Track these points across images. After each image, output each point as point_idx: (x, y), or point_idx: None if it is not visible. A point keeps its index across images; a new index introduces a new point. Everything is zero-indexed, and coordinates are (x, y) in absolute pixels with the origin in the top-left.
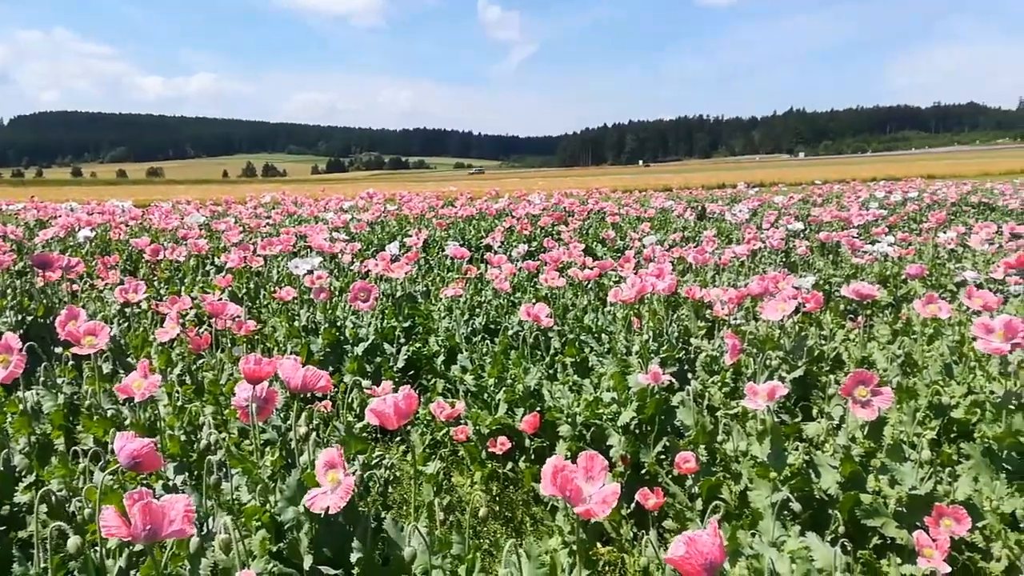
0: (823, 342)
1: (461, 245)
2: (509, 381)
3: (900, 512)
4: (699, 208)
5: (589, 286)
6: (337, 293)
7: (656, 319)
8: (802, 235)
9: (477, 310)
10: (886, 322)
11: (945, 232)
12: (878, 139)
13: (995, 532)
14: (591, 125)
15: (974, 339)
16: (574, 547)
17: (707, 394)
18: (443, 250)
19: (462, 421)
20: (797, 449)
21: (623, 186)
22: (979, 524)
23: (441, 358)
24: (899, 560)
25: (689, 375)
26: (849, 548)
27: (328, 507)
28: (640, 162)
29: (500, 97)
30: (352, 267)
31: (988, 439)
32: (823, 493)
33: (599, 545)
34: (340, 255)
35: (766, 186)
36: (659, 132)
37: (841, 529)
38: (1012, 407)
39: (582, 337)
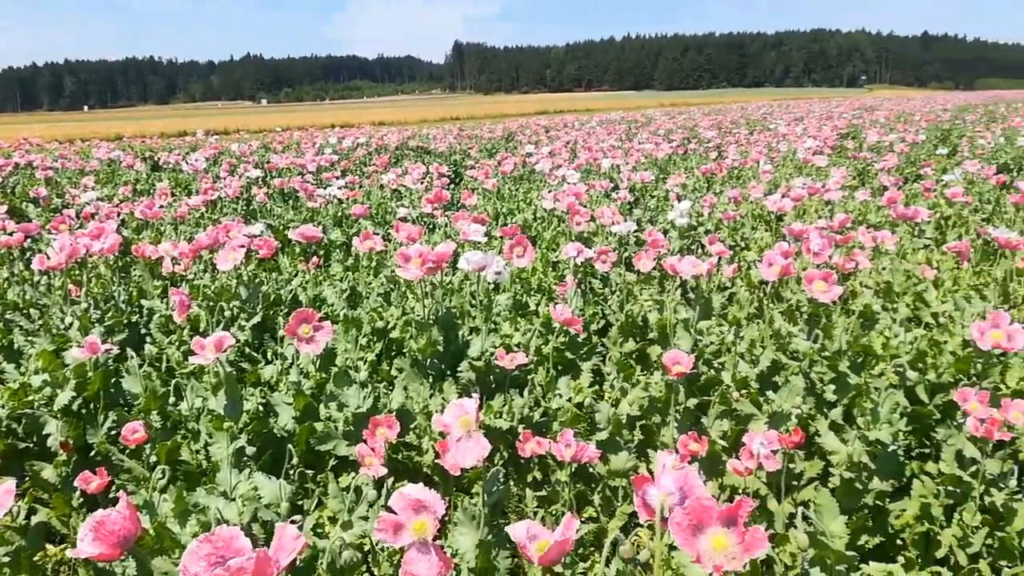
0: (279, 286)
1: None
2: None
3: (349, 431)
4: (152, 159)
5: (16, 255)
6: None
7: (101, 283)
8: (260, 182)
9: None
10: (339, 260)
11: (387, 174)
12: (335, 87)
13: (423, 429)
14: (17, 64)
15: (399, 267)
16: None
17: (164, 356)
18: None
19: None
20: (254, 395)
21: (65, 135)
22: (412, 425)
23: None
24: (353, 473)
25: (148, 339)
26: (309, 475)
27: None
28: (85, 107)
29: None
30: None
31: (416, 351)
32: (282, 431)
33: (50, 545)
34: None
35: (229, 133)
36: (105, 74)
37: (297, 460)
38: (431, 322)
39: (7, 316)
